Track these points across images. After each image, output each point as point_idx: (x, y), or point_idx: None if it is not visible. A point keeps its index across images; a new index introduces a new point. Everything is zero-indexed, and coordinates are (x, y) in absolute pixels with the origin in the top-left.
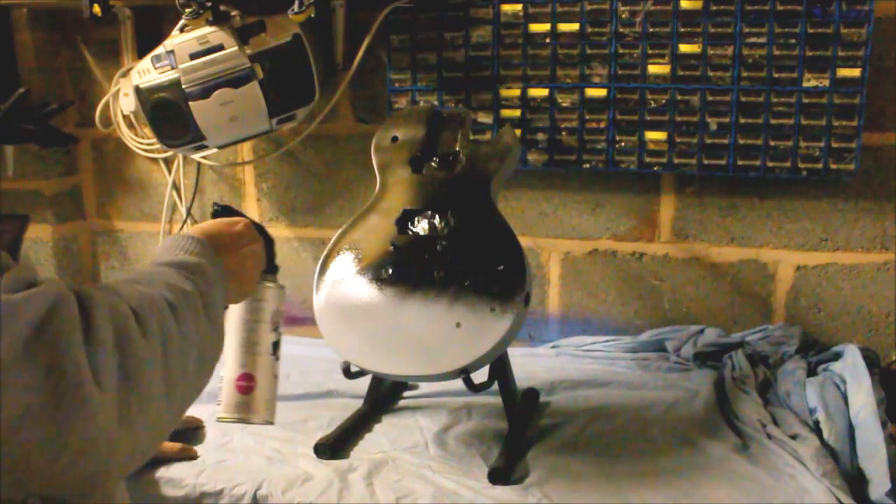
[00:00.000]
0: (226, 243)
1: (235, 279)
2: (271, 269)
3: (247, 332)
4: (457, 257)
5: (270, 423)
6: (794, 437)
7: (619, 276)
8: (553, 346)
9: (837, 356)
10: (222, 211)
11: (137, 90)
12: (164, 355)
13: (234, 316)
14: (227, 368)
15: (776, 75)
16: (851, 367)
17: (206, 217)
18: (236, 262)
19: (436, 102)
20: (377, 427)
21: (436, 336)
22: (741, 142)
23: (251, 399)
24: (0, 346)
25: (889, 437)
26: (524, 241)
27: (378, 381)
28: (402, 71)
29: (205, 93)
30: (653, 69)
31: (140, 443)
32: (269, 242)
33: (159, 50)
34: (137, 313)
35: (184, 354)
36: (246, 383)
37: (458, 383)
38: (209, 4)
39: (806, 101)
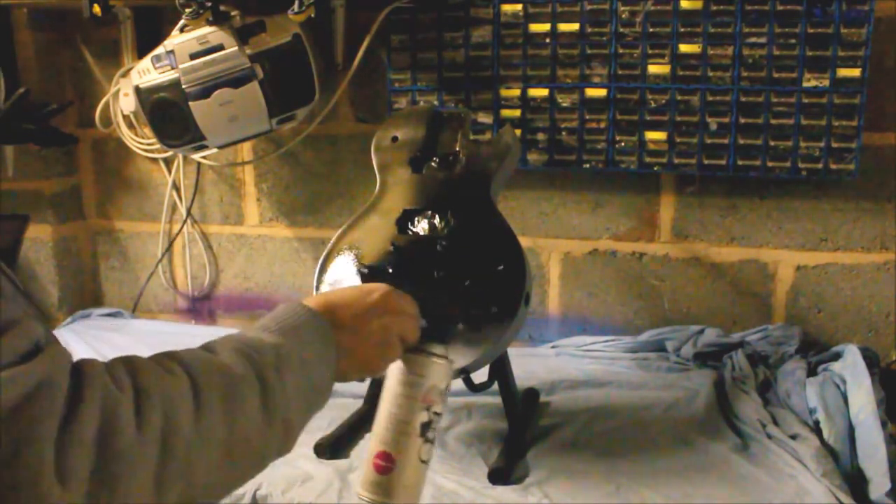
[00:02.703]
0: (348, 315)
1: (353, 357)
2: (440, 339)
3: (395, 408)
4: (457, 257)
5: None
6: (794, 437)
7: (619, 276)
8: (553, 346)
9: (837, 356)
10: (368, 275)
11: (137, 90)
12: (162, 453)
13: (387, 387)
14: (372, 442)
15: (776, 75)
16: (851, 367)
17: (206, 218)
18: (358, 338)
19: (436, 102)
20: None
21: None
22: (741, 142)
23: (388, 480)
24: None
25: (889, 437)
26: (524, 241)
27: (378, 381)
28: (402, 71)
29: (205, 93)
30: (653, 69)
31: None
32: (438, 310)
33: (159, 50)
34: (140, 401)
35: (195, 453)
36: (384, 463)
37: (458, 383)
38: (209, 4)
39: (806, 101)
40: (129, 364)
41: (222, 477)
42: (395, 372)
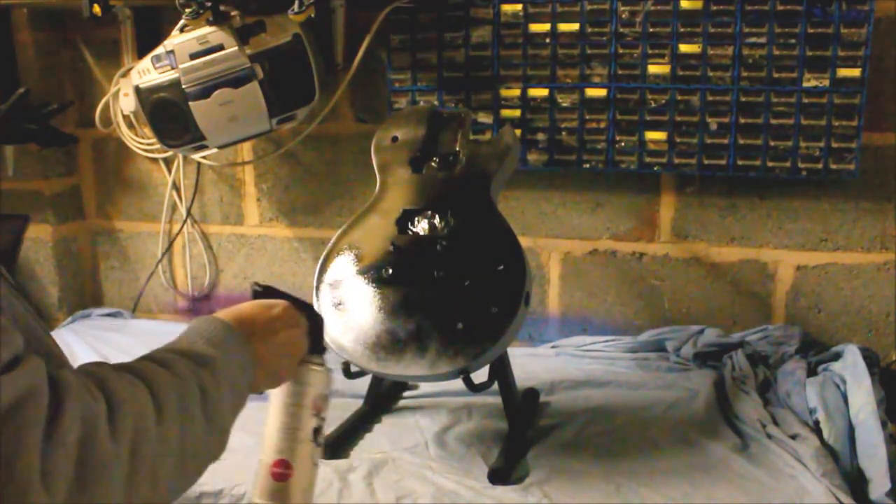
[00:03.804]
0: (258, 329)
1: (266, 367)
2: (317, 350)
3: (286, 417)
4: (457, 257)
5: None
6: (794, 437)
7: (619, 276)
8: (553, 346)
9: (837, 356)
10: (263, 292)
11: (137, 90)
12: (132, 459)
13: (275, 398)
14: (265, 452)
15: (776, 75)
16: (851, 367)
17: (206, 218)
18: (268, 349)
19: (436, 102)
20: (377, 427)
21: (436, 336)
22: (741, 142)
23: (286, 486)
24: None
25: (889, 437)
26: (524, 241)
27: (378, 381)
28: (402, 71)
29: (205, 93)
30: (653, 69)
31: None
32: (316, 323)
33: (159, 50)
34: (113, 411)
35: (158, 458)
36: (282, 470)
37: (458, 383)
38: (209, 4)
39: (806, 101)
40: (96, 375)
41: (177, 481)
42: (282, 386)
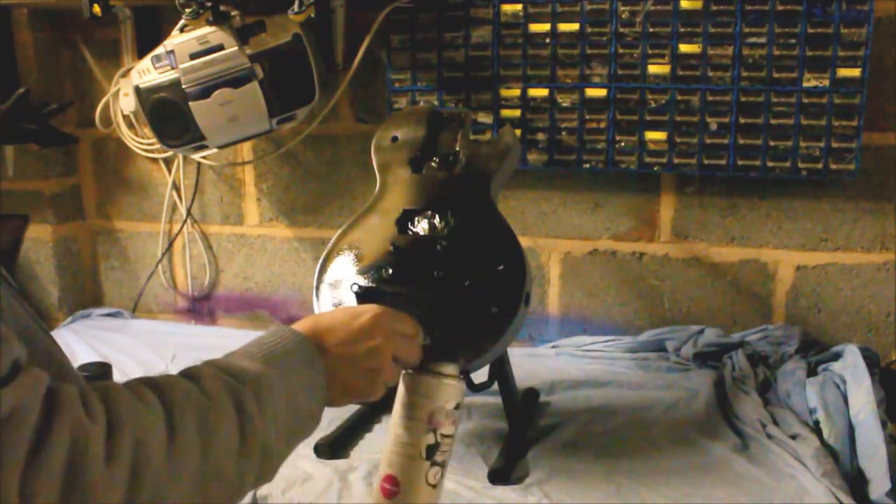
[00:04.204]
0: (336, 341)
1: (341, 383)
2: (447, 357)
3: (399, 429)
4: (457, 257)
5: None
6: (794, 437)
7: (619, 276)
8: (553, 346)
9: (837, 356)
10: (363, 295)
11: (137, 90)
12: (132, 485)
13: (395, 407)
14: (381, 465)
15: (776, 75)
16: (851, 367)
17: (206, 218)
18: (345, 363)
19: (436, 102)
20: (377, 427)
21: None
22: (741, 142)
23: None
24: None
25: (889, 437)
26: (524, 241)
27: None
28: (402, 71)
29: (205, 93)
30: (653, 69)
31: None
32: (441, 327)
33: (159, 50)
34: (112, 431)
35: (166, 482)
36: (390, 486)
37: None
38: (209, 4)
39: (806, 101)
40: (104, 392)
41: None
42: (400, 393)
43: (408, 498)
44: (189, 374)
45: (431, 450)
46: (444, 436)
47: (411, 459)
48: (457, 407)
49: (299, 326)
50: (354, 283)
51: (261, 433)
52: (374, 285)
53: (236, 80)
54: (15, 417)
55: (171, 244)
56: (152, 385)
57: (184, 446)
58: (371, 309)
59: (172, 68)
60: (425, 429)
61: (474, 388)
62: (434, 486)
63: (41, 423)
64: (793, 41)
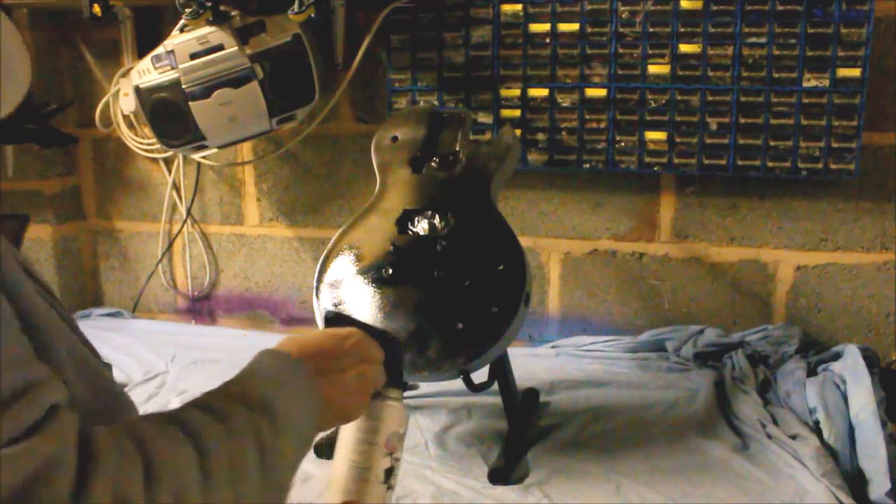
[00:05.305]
0: (327, 364)
1: (333, 406)
2: (394, 384)
3: (357, 455)
4: (457, 257)
5: None
6: (794, 437)
7: (619, 276)
8: (553, 346)
9: (837, 356)
10: (335, 319)
11: (137, 90)
12: None
13: (345, 434)
14: (330, 492)
15: (776, 75)
16: (851, 367)
17: (206, 218)
18: (337, 387)
19: (436, 102)
20: None
21: (436, 336)
22: (741, 142)
23: None
24: None
25: (889, 437)
26: (524, 241)
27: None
28: (402, 71)
29: (205, 93)
30: (653, 69)
31: None
32: (393, 353)
33: (159, 50)
34: (150, 478)
35: None
36: None
37: (458, 383)
38: (209, 4)
39: (806, 101)
40: (135, 433)
41: None
42: (353, 421)
43: None
44: (212, 410)
45: (388, 473)
46: (396, 459)
47: (370, 484)
48: (405, 432)
49: (288, 348)
50: (328, 310)
51: (279, 467)
52: (342, 313)
53: (236, 80)
54: (51, 469)
55: (171, 244)
56: (182, 424)
57: (217, 487)
58: (354, 332)
59: (172, 68)
60: (383, 453)
61: (474, 388)
62: None
63: (79, 473)
64: (793, 41)
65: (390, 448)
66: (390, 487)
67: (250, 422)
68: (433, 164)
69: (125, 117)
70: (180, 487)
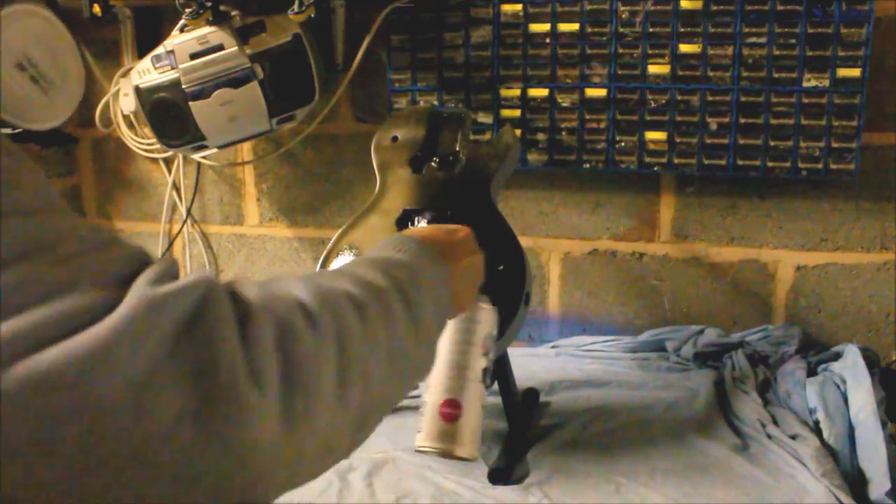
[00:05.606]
0: (447, 251)
1: (455, 291)
2: (485, 290)
3: (457, 355)
4: None
5: (475, 458)
6: (794, 437)
7: (619, 276)
8: (553, 346)
9: (837, 356)
10: (439, 216)
11: (137, 90)
12: (340, 354)
13: (444, 336)
14: (432, 392)
15: (776, 75)
16: (851, 367)
17: (206, 218)
18: (457, 273)
19: (436, 102)
20: (377, 427)
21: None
22: (741, 142)
23: (456, 428)
24: (147, 344)
25: (889, 437)
26: (524, 241)
27: None
28: (402, 71)
29: (205, 93)
30: (653, 69)
31: (306, 451)
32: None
33: (159, 50)
34: (306, 307)
35: (367, 356)
36: (451, 410)
37: None
38: (209, 4)
39: (806, 101)
40: (276, 281)
41: (389, 387)
42: (451, 321)
43: (470, 419)
44: (342, 270)
45: (485, 373)
46: (490, 360)
47: (471, 382)
48: (494, 334)
49: (411, 233)
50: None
51: (425, 320)
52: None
53: (236, 80)
54: (213, 298)
55: (171, 244)
56: (315, 276)
57: (372, 323)
58: (461, 227)
59: (172, 68)
60: (479, 352)
61: None
62: (484, 408)
63: (235, 305)
64: (793, 41)
65: (486, 348)
66: (487, 387)
67: (388, 273)
68: (433, 164)
69: (125, 117)
70: (340, 316)
